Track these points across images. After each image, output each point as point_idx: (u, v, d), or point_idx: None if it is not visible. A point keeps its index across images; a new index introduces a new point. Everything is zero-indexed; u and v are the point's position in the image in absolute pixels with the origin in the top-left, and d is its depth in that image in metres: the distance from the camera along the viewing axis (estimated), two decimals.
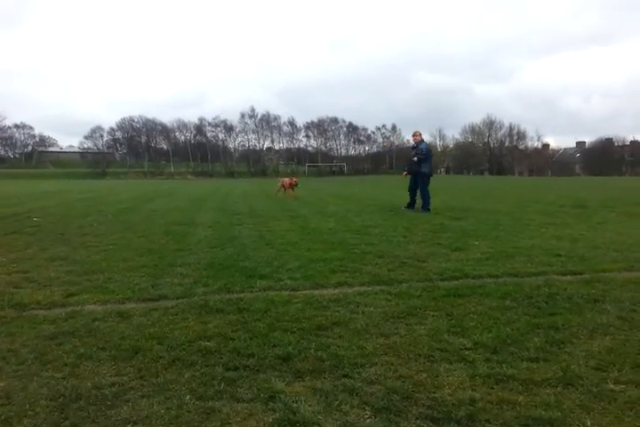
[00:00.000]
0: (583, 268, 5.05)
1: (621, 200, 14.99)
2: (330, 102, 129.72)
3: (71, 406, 2.32)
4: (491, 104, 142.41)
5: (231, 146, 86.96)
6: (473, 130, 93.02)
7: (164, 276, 4.84)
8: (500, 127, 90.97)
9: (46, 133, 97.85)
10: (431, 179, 11.62)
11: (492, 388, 2.45)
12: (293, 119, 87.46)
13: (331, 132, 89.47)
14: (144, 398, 2.40)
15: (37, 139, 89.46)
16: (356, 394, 2.41)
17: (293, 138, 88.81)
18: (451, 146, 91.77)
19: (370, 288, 4.35)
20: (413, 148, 11.82)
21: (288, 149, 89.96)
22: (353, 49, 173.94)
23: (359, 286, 4.42)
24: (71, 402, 2.36)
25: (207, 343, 3.06)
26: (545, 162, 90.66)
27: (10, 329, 3.36)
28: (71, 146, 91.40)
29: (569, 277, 4.66)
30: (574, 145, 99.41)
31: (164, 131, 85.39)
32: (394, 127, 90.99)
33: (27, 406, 2.32)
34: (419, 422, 2.16)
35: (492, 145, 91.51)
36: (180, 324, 3.43)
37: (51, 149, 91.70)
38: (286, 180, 17.45)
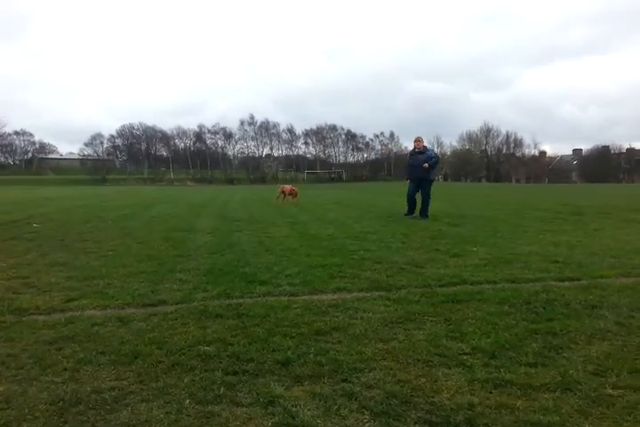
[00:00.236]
0: (580, 274, 5.07)
1: (618, 207, 15.03)
2: (328, 110, 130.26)
3: (71, 411, 2.33)
4: (488, 112, 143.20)
5: (230, 153, 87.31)
6: (470, 137, 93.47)
7: (163, 281, 4.86)
8: (497, 135, 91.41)
9: (46, 140, 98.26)
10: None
11: (490, 392, 2.46)
12: (292, 126, 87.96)
13: (329, 140, 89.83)
14: (144, 402, 2.41)
15: (37, 146, 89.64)
16: (355, 398, 2.42)
17: (292, 145, 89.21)
18: (448, 153, 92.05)
19: (368, 294, 4.36)
20: (419, 153, 11.18)
21: (287, 156, 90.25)
22: (349, 58, 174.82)
23: (358, 292, 4.44)
24: (71, 406, 2.37)
25: (207, 348, 3.07)
26: (542, 169, 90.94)
27: (9, 334, 3.37)
28: (71, 153, 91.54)
29: (566, 284, 4.68)
30: (571, 152, 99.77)
31: (164, 138, 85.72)
32: (392, 134, 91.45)
33: (26, 411, 2.33)
34: (417, 426, 2.17)
35: (489, 152, 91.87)
36: (180, 329, 3.44)
37: (51, 155, 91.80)
38: (287, 186, 17.44)
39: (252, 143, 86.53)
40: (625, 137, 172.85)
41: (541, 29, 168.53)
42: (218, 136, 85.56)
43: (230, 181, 76.33)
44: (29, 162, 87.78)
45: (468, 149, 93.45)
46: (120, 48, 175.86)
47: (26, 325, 3.57)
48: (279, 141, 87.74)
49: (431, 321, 3.58)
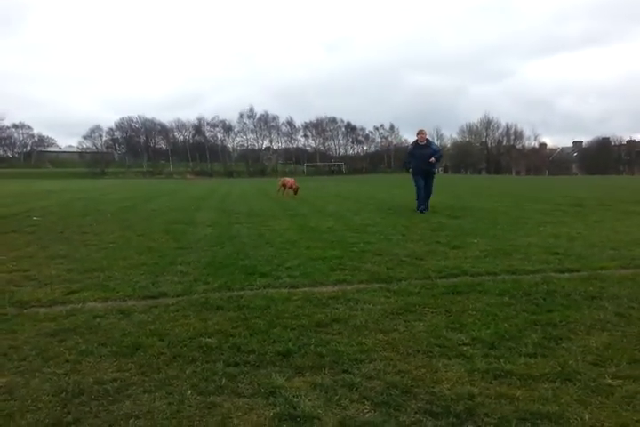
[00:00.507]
0: (580, 265, 5.08)
1: (618, 199, 15.02)
2: (328, 102, 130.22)
3: (73, 402, 2.34)
4: (488, 104, 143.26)
5: (230, 146, 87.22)
6: (470, 129, 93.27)
7: (164, 274, 4.86)
8: (498, 127, 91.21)
9: (45, 133, 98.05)
10: None
11: (490, 383, 2.48)
12: (292, 119, 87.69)
13: (329, 132, 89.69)
14: (146, 393, 2.42)
15: (36, 139, 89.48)
16: (356, 389, 2.43)
17: (292, 138, 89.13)
18: (448, 145, 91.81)
19: (369, 286, 4.37)
20: (423, 147, 10.83)
21: (287, 149, 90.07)
22: (348, 50, 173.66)
23: (358, 284, 4.45)
24: (73, 397, 2.38)
25: (208, 340, 3.08)
26: (542, 161, 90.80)
27: (11, 327, 3.38)
28: (70, 146, 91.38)
29: (566, 275, 4.69)
30: (571, 144, 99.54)
31: (163, 131, 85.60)
32: (392, 127, 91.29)
33: (29, 402, 2.34)
34: (418, 416, 2.18)
35: (489, 144, 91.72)
36: (181, 321, 3.45)
37: (49, 148, 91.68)
38: (288, 179, 17.33)
39: (251, 136, 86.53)
40: (625, 129, 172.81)
41: (540, 21, 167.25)
42: (217, 129, 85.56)
43: (230, 174, 76.26)
44: (28, 155, 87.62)
45: (468, 141, 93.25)
46: (119, 40, 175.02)
47: (27, 317, 3.58)
48: (279, 134, 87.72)
49: (431, 312, 3.59)
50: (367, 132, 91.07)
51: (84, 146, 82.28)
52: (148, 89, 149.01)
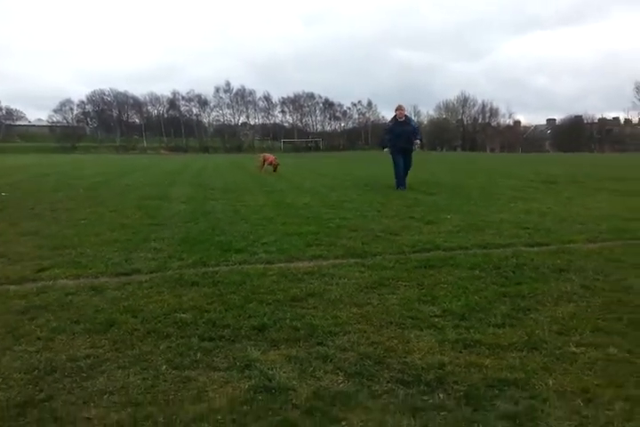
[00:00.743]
0: (549, 240, 5.21)
1: (589, 175, 15.37)
2: (305, 77, 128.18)
3: (46, 379, 2.32)
4: (465, 82, 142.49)
5: (205, 121, 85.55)
6: (447, 107, 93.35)
7: (137, 250, 4.81)
8: (474, 104, 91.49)
9: (13, 106, 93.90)
10: None
11: (460, 352, 2.55)
12: (269, 94, 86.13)
13: (307, 108, 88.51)
14: (120, 369, 2.42)
15: (4, 112, 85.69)
16: (330, 360, 2.47)
17: (269, 113, 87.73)
18: (425, 122, 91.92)
19: (344, 261, 4.41)
20: (403, 124, 10.57)
21: (264, 125, 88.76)
22: (326, 23, 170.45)
23: (334, 259, 4.48)
24: (46, 375, 2.36)
25: (183, 315, 3.08)
26: (516, 138, 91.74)
27: None
28: (39, 119, 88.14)
29: (536, 249, 4.81)
30: (545, 122, 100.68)
31: (136, 104, 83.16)
32: (369, 103, 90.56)
33: (0, 380, 2.31)
34: (390, 385, 2.24)
35: (465, 122, 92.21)
36: (155, 297, 3.43)
37: (19, 122, 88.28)
38: (269, 155, 17.31)
39: (227, 111, 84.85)
40: (598, 107, 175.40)
41: None
42: (192, 103, 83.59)
43: (205, 150, 75.00)
44: None
45: (444, 119, 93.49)
46: (89, 10, 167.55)
47: None
48: (255, 110, 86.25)
49: (404, 286, 3.66)
50: (345, 108, 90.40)
51: (55, 120, 79.64)
52: (121, 61, 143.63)
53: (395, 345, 2.63)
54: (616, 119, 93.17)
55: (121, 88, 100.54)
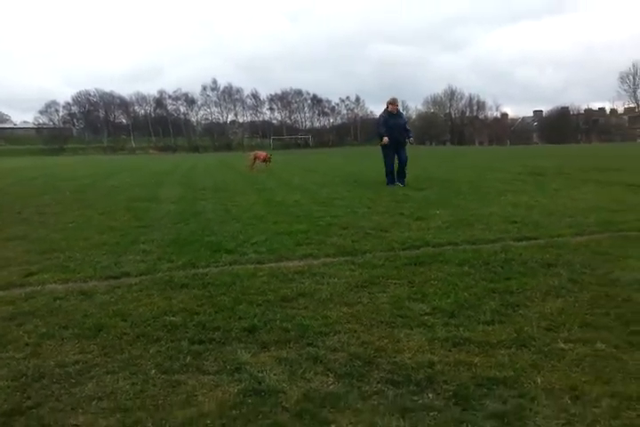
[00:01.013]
0: (538, 234, 5.24)
1: (577, 167, 15.46)
2: (293, 75, 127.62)
3: (34, 386, 2.30)
4: (451, 75, 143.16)
5: (193, 119, 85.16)
6: (435, 100, 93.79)
7: (126, 253, 4.77)
8: (461, 98, 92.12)
9: None
10: None
11: (449, 351, 2.55)
12: (257, 92, 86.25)
13: (295, 105, 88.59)
14: (109, 374, 2.40)
15: None
16: (320, 362, 2.47)
17: (257, 111, 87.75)
18: (413, 117, 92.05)
19: (334, 259, 4.41)
20: (395, 116, 10.56)
21: (252, 123, 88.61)
22: (311, 20, 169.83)
23: (324, 258, 4.48)
24: (34, 381, 2.34)
25: (172, 318, 3.06)
26: (504, 131, 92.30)
27: None
28: (25, 122, 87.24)
29: (524, 243, 4.83)
30: (532, 114, 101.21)
31: (123, 104, 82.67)
32: (357, 99, 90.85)
33: None
34: (380, 385, 2.24)
35: (453, 115, 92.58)
36: (145, 300, 3.41)
37: (4, 125, 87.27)
38: (260, 152, 17.38)
39: (215, 109, 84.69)
40: (584, 99, 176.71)
41: None
42: (179, 102, 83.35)
43: (195, 149, 74.59)
44: None
45: (433, 113, 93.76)
46: (73, 11, 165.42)
47: None
48: (244, 107, 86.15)
49: (394, 284, 3.66)
50: (333, 104, 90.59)
51: (41, 121, 78.83)
52: (106, 61, 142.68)
53: (385, 345, 2.63)
54: (602, 110, 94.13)
55: (107, 88, 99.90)
